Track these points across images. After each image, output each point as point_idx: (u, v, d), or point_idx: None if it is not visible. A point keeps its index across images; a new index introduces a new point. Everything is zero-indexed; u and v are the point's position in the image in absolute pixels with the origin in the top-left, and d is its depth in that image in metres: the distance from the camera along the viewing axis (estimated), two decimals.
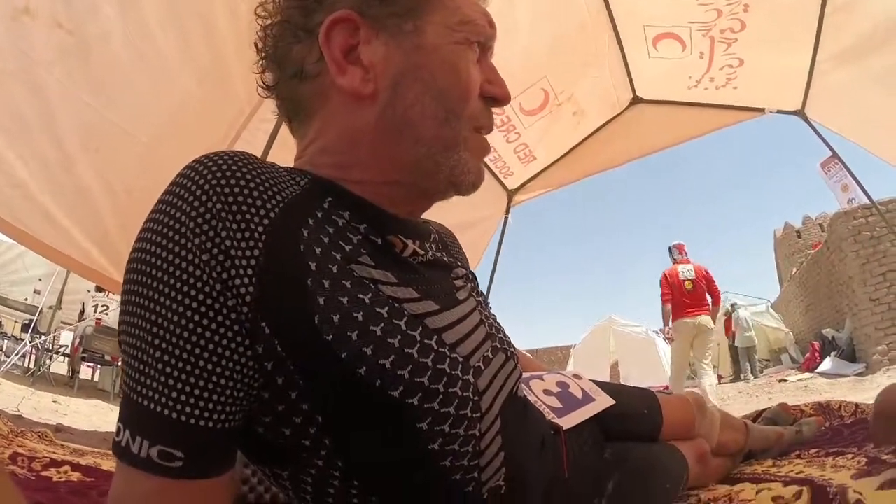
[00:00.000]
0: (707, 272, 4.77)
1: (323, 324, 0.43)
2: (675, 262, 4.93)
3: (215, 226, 0.41)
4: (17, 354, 5.74)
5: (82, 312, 7.15)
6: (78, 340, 6.04)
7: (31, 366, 5.95)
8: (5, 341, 6.41)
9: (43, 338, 6.18)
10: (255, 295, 0.42)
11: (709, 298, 4.71)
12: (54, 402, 4.44)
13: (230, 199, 0.42)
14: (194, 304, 0.40)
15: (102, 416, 4.25)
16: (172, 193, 0.43)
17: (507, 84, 0.60)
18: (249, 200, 0.43)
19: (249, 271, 0.42)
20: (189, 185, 0.42)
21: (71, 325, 6.99)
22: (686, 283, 4.69)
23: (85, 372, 6.61)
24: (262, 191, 0.44)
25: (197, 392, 0.40)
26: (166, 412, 0.39)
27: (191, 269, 0.40)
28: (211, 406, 0.40)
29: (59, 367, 6.53)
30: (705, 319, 4.59)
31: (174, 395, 0.39)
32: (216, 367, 0.41)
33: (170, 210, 0.42)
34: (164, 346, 0.40)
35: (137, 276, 0.42)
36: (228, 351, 0.41)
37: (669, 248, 5.07)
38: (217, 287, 0.41)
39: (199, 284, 0.40)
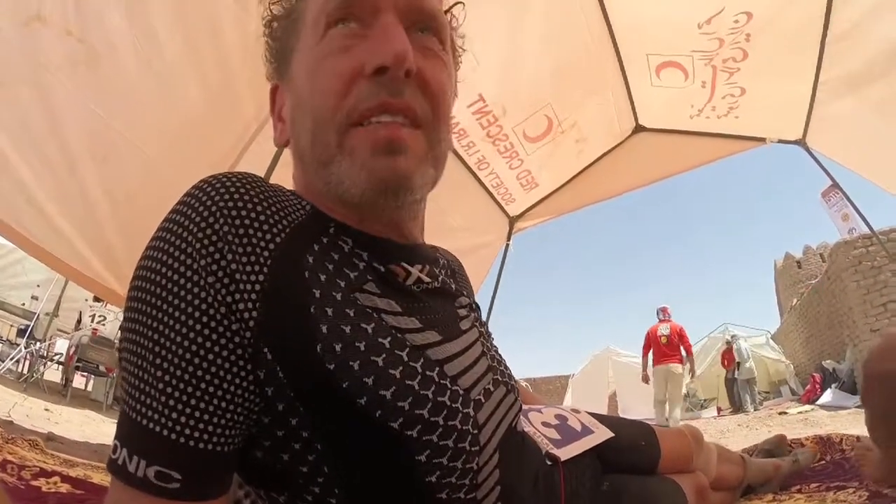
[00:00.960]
0: (681, 330, 6.53)
1: (325, 352, 0.43)
2: (659, 321, 6.69)
3: (221, 248, 0.41)
4: (11, 359, 5.70)
5: (79, 321, 7.12)
6: (73, 349, 5.99)
7: (25, 371, 5.90)
8: (0, 345, 6.37)
9: (38, 344, 6.14)
10: (258, 320, 0.42)
11: (683, 351, 6.51)
12: (46, 409, 4.39)
13: (237, 221, 0.42)
14: (197, 326, 0.40)
15: (94, 427, 4.20)
16: (179, 213, 0.43)
17: (401, 41, 0.47)
18: (256, 224, 0.43)
19: (254, 296, 0.42)
20: (196, 205, 0.43)
21: (67, 333, 6.96)
22: (662, 337, 6.50)
23: (78, 381, 6.54)
24: (269, 215, 0.45)
25: (197, 414, 0.39)
26: (165, 433, 0.39)
27: (195, 290, 0.41)
28: (210, 429, 0.40)
29: (53, 374, 6.47)
30: (674, 367, 6.40)
31: (174, 416, 0.39)
32: (217, 389, 0.40)
33: (176, 230, 0.42)
34: (165, 366, 0.40)
35: (141, 295, 0.42)
36: (230, 375, 0.41)
37: (657, 310, 6.85)
38: (221, 310, 0.41)
39: (203, 306, 0.40)
